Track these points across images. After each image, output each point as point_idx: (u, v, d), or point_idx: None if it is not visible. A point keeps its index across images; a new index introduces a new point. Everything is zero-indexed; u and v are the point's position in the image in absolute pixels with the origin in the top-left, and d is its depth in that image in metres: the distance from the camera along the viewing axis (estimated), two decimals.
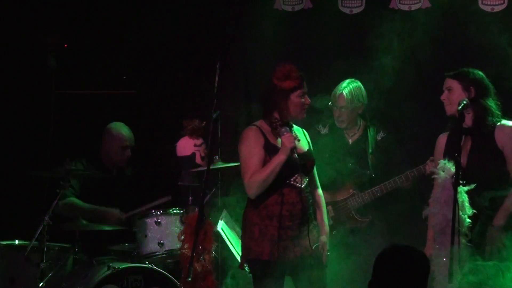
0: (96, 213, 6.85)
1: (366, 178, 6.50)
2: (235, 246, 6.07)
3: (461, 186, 5.38)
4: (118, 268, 6.21)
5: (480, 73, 5.70)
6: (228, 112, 6.66)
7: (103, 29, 7.64)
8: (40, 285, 6.23)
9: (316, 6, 7.28)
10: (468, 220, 5.44)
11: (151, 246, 6.43)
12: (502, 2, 6.92)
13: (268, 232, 5.51)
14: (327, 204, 6.27)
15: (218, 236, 6.13)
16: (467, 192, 5.43)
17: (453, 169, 5.43)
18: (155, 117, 7.69)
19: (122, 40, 7.55)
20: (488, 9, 6.92)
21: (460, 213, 5.37)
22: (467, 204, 5.44)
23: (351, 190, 6.51)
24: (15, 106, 7.66)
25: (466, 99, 5.57)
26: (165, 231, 6.43)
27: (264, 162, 5.51)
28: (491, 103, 5.66)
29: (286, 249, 5.52)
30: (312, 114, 6.36)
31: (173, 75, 7.64)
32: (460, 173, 5.34)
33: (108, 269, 6.20)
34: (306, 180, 5.62)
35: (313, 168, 5.74)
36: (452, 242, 5.23)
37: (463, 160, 5.58)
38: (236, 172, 5.67)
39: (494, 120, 5.65)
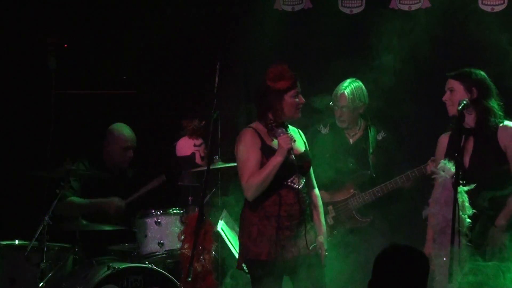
0: (95, 206, 6.84)
1: (366, 178, 6.49)
2: (235, 246, 6.06)
3: (461, 186, 5.37)
4: (118, 268, 6.21)
5: (482, 73, 5.68)
6: (228, 112, 6.66)
7: (103, 29, 7.65)
8: (40, 285, 6.23)
9: (316, 6, 7.29)
10: (468, 220, 5.43)
11: (151, 246, 6.43)
12: (502, 2, 6.93)
13: (267, 232, 5.50)
14: (328, 204, 6.28)
15: (218, 236, 6.13)
16: (467, 192, 5.43)
17: (453, 169, 5.41)
18: (155, 117, 7.69)
19: (122, 40, 7.55)
20: (488, 9, 6.93)
21: (460, 213, 5.36)
22: (467, 204, 5.42)
23: (351, 190, 6.50)
24: (15, 106, 7.66)
25: (466, 99, 5.55)
26: (165, 231, 6.43)
27: (261, 164, 5.50)
28: (494, 104, 5.64)
29: (284, 249, 5.51)
30: (312, 114, 6.37)
31: (173, 75, 7.64)
32: (460, 173, 5.33)
33: (108, 269, 6.20)
34: (303, 181, 5.60)
35: (309, 168, 5.72)
36: (452, 242, 5.22)
37: (465, 160, 5.57)
38: (236, 172, 5.66)
39: (497, 120, 5.62)
